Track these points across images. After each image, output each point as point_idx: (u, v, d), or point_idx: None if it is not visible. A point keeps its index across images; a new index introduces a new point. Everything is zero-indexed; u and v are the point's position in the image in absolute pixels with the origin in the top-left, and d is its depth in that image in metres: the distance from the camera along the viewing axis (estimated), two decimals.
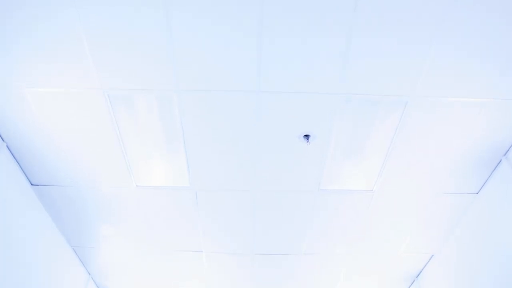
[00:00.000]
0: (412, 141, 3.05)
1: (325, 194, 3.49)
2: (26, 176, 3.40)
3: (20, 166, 3.31)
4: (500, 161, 3.26)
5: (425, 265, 4.55)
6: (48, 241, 3.83)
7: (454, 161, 3.23)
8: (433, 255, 4.36)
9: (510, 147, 3.14)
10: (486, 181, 3.43)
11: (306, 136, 2.92)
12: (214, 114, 2.83)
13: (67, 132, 2.97)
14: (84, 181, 3.41)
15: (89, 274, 4.76)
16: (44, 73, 2.56)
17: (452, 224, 3.88)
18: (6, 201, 3.17)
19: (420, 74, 2.58)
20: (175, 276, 4.78)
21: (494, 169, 3.32)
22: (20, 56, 2.46)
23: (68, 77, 2.59)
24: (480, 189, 3.51)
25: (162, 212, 3.72)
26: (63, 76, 2.58)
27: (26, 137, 3.02)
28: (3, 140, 3.08)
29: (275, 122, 2.87)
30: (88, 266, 4.62)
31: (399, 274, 4.72)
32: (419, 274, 4.72)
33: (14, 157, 3.23)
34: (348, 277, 4.74)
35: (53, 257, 3.94)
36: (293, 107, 2.76)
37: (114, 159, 3.18)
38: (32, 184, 3.48)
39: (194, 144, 3.05)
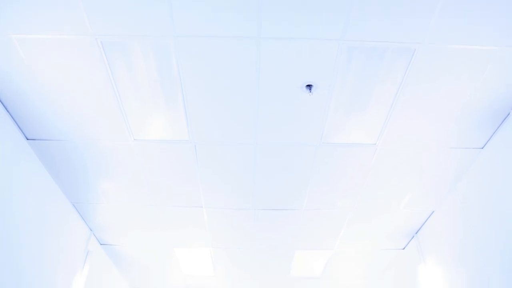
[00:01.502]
0: (417, 93, 2.94)
1: (327, 147, 3.41)
2: (21, 130, 3.32)
3: (14, 120, 3.23)
4: (508, 114, 3.16)
5: (425, 221, 4.55)
6: (47, 198, 3.81)
7: (460, 114, 3.13)
8: (433, 211, 4.35)
9: None
10: (492, 135, 3.34)
11: (309, 86, 2.81)
12: (213, 63, 2.71)
13: (61, 83, 2.87)
14: (81, 135, 3.33)
15: (91, 230, 4.78)
16: (31, 17, 2.42)
17: (455, 180, 3.83)
18: (1, 156, 3.11)
19: (430, 20, 2.43)
20: (176, 232, 4.81)
21: (502, 122, 3.23)
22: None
23: (56, 22, 2.45)
24: (485, 144, 3.43)
25: (161, 167, 3.67)
26: (51, 21, 2.44)
27: (19, 90, 2.92)
28: None
29: (277, 71, 2.75)
30: (89, 222, 4.63)
31: (399, 229, 4.74)
32: (418, 230, 4.74)
33: (7, 111, 3.14)
34: (348, 232, 4.76)
35: (54, 214, 3.93)
36: (295, 55, 2.63)
37: (110, 111, 3.09)
38: (27, 139, 3.40)
39: (192, 95, 2.95)
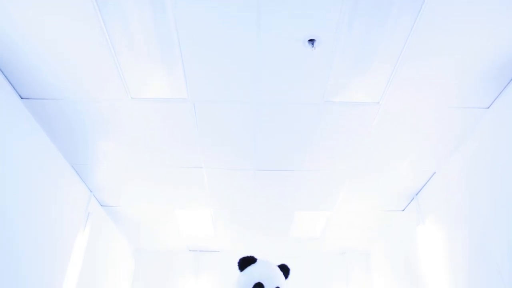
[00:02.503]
0: (424, 49, 2.83)
1: (330, 106, 3.33)
2: (15, 89, 3.22)
3: (7, 78, 3.12)
4: None
5: (426, 183, 4.54)
6: (45, 159, 3.75)
7: (466, 72, 3.02)
8: (435, 173, 4.32)
9: None
10: (499, 94, 3.25)
11: (311, 40, 2.70)
12: (212, 17, 2.58)
13: (55, 40, 2.74)
14: (77, 94, 3.24)
15: (91, 191, 4.77)
16: None
17: (458, 141, 3.77)
18: None
19: None
20: (177, 193, 4.80)
21: (509, 82, 3.12)
22: None
23: None
24: (491, 104, 3.34)
25: (160, 127, 3.60)
26: None
27: (12, 47, 2.80)
28: None
29: (278, 24, 2.62)
30: (88, 183, 4.62)
31: (399, 191, 4.74)
32: (419, 191, 4.74)
33: (0, 69, 3.03)
34: (348, 193, 4.76)
35: (52, 175, 3.89)
36: (297, 6, 2.50)
37: (105, 68, 2.98)
38: (22, 98, 3.31)
39: (191, 52, 2.83)
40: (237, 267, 3.24)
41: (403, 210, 5.23)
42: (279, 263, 3.31)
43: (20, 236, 3.37)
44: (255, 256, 3.25)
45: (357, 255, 6.75)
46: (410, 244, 5.02)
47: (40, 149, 3.67)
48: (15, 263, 3.30)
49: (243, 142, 3.79)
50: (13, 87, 3.20)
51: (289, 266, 3.28)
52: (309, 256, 6.71)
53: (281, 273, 3.16)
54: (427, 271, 4.47)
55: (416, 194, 4.80)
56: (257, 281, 3.05)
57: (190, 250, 6.73)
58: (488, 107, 3.37)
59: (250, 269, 3.16)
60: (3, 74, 3.06)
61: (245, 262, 3.21)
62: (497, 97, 3.27)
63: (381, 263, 6.20)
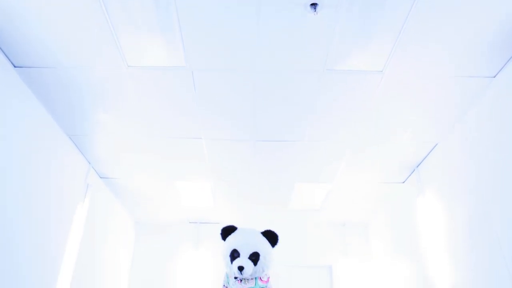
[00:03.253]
0: (429, 16, 2.71)
1: (331, 74, 3.24)
2: (7, 57, 3.12)
3: None
4: None
5: (428, 154, 4.49)
6: (41, 130, 3.69)
7: (473, 40, 2.92)
8: (437, 144, 4.27)
9: None
10: (506, 63, 3.14)
11: (313, 5, 2.58)
12: None
13: (47, 4, 2.63)
14: (72, 62, 3.14)
15: (89, 163, 4.74)
16: None
17: (461, 111, 3.70)
18: None
19: None
20: (176, 164, 4.77)
21: None
22: None
23: None
24: (498, 73, 3.25)
25: (158, 96, 3.52)
26: None
27: (3, 13, 2.69)
28: None
29: None
30: (87, 155, 4.57)
31: (401, 162, 4.70)
32: (420, 163, 4.70)
33: None
34: (348, 165, 4.73)
35: (50, 147, 3.84)
36: None
37: (100, 35, 2.87)
38: (15, 66, 3.21)
39: (188, 17, 2.72)
40: (220, 237, 3.27)
41: (403, 182, 5.21)
42: (265, 229, 3.29)
43: (18, 209, 3.35)
44: (236, 225, 3.25)
45: (356, 227, 6.79)
46: (410, 216, 5.03)
47: (36, 120, 3.60)
48: (14, 237, 3.29)
49: (242, 112, 3.72)
50: (6, 55, 3.10)
51: (276, 232, 3.23)
52: (309, 228, 6.75)
53: (263, 240, 3.10)
54: (426, 243, 4.49)
55: (417, 166, 4.77)
56: (233, 248, 3.09)
57: (190, 222, 6.76)
58: (494, 76, 3.28)
59: (229, 237, 3.17)
60: None
61: (226, 232, 3.23)
62: (504, 65, 3.17)
63: (380, 235, 6.23)
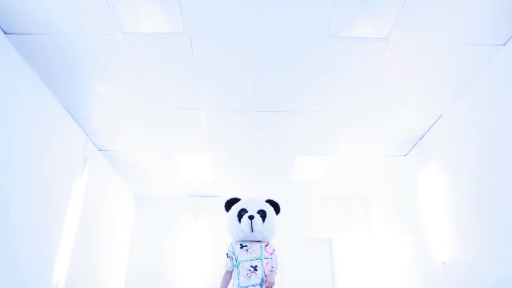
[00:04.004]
0: None
1: (334, 42, 3.11)
2: None
3: None
4: None
5: (431, 126, 4.42)
6: (37, 101, 3.59)
7: (483, 5, 2.79)
8: (441, 116, 4.19)
9: None
10: None
11: None
12: None
13: None
14: (65, 28, 3.02)
15: (87, 135, 4.66)
16: None
17: (468, 81, 3.59)
18: None
19: None
20: (175, 137, 4.70)
21: None
22: None
23: None
24: (508, 40, 3.13)
25: (155, 65, 3.41)
26: None
27: None
28: None
29: None
30: (84, 127, 4.49)
31: (403, 135, 4.63)
32: (423, 135, 4.62)
33: None
34: (350, 137, 4.65)
35: (46, 117, 3.75)
36: None
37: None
38: (5, 33, 3.09)
39: None
40: (224, 210, 3.34)
41: (405, 155, 5.15)
42: (267, 199, 3.39)
43: (14, 183, 3.27)
44: (239, 197, 3.37)
45: (357, 200, 6.78)
46: (411, 189, 4.99)
47: (30, 90, 3.49)
48: (11, 211, 3.25)
49: (242, 81, 3.61)
50: None
51: (278, 201, 3.38)
52: (309, 201, 6.74)
53: (267, 204, 3.30)
54: (428, 215, 4.47)
55: (420, 139, 4.69)
56: (240, 208, 3.22)
57: (190, 196, 6.75)
58: (504, 44, 3.16)
59: (235, 205, 3.31)
60: None
61: (231, 203, 3.35)
62: None
63: (381, 208, 6.23)
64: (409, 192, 5.08)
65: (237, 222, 3.17)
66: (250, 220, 3.09)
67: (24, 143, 3.39)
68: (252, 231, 3.10)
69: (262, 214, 3.17)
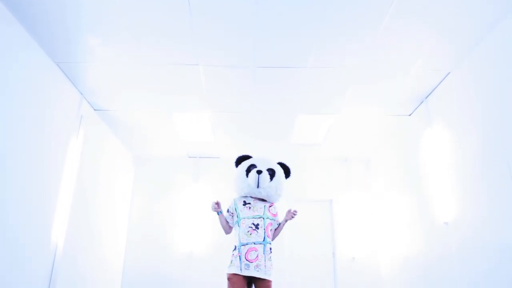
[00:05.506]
0: None
1: None
2: None
3: None
4: None
5: (438, 84, 4.25)
6: (25, 56, 3.39)
7: None
8: (449, 73, 4.01)
9: None
10: None
11: None
12: None
13: None
14: None
15: (81, 94, 4.50)
16: None
17: (481, 34, 3.39)
18: None
19: None
20: (173, 95, 4.54)
21: None
22: None
23: None
24: None
25: (150, 15, 3.19)
26: None
27: None
28: None
29: None
30: (78, 85, 4.33)
31: (409, 93, 4.47)
32: (429, 94, 4.46)
33: None
34: (354, 95, 4.50)
35: (36, 74, 3.57)
36: None
37: None
38: None
39: None
40: (234, 165, 3.29)
41: (410, 115, 5.01)
42: (279, 162, 3.33)
43: (3, 144, 3.14)
44: (251, 155, 3.32)
45: (358, 162, 6.71)
46: (414, 149, 4.89)
47: (18, 45, 3.29)
48: (4, 173, 3.14)
49: (241, 33, 3.41)
50: None
51: (289, 166, 3.31)
52: (310, 162, 6.67)
53: (278, 165, 3.25)
54: (432, 175, 4.38)
55: (426, 97, 4.54)
56: (250, 163, 3.19)
57: (189, 157, 6.66)
58: None
59: (245, 161, 3.28)
60: None
61: (241, 159, 3.32)
62: None
63: (383, 169, 6.15)
64: (412, 152, 4.98)
65: (245, 176, 3.15)
66: (257, 175, 3.06)
67: (11, 101, 3.23)
68: (258, 186, 3.06)
69: (271, 172, 3.14)
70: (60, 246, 4.00)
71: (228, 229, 3.20)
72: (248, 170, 3.16)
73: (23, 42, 3.36)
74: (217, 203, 3.16)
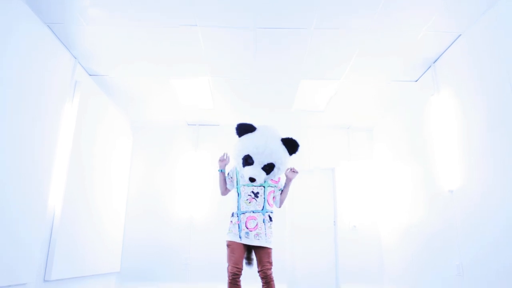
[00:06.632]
0: None
1: None
2: None
3: None
4: None
5: (448, 48, 4.06)
6: (12, 16, 3.18)
7: None
8: (459, 35, 3.82)
9: None
10: None
11: None
12: None
13: None
14: None
15: (75, 58, 4.32)
16: None
17: None
18: None
19: None
20: (170, 59, 4.36)
21: None
22: None
23: None
24: None
25: None
26: None
27: None
28: None
29: None
30: (71, 48, 4.15)
31: (416, 57, 4.29)
32: (438, 58, 4.28)
33: None
34: (359, 60, 4.32)
35: (24, 35, 3.36)
36: None
37: None
38: None
39: None
40: (234, 133, 3.05)
41: (416, 81, 4.83)
42: (286, 137, 3.00)
43: None
44: (255, 125, 3.00)
45: (361, 130, 6.58)
46: (420, 116, 4.75)
47: (3, 4, 3.09)
48: None
49: None
50: None
51: (298, 142, 2.99)
52: (312, 130, 6.54)
53: (280, 149, 2.93)
54: (436, 144, 4.26)
55: (434, 62, 4.35)
56: (247, 153, 2.88)
57: (189, 124, 6.53)
58: None
59: (247, 137, 2.96)
60: None
61: (243, 129, 2.98)
62: None
63: (386, 137, 6.03)
64: (417, 120, 4.84)
65: (242, 165, 2.92)
66: (250, 182, 2.87)
67: (8, 65, 3.07)
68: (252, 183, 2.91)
69: (269, 168, 2.87)
70: (57, 215, 3.94)
71: (224, 189, 3.13)
72: (245, 160, 2.89)
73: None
74: (224, 158, 3.09)
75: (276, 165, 2.88)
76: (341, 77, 4.72)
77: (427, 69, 4.51)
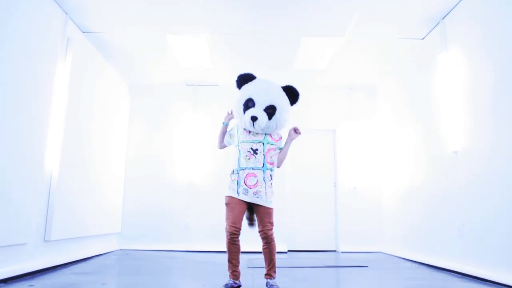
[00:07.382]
0: None
1: None
2: None
3: None
4: None
5: (457, 3, 3.86)
6: None
7: None
8: None
9: None
10: None
11: None
12: None
13: None
14: None
15: (66, 13, 4.11)
16: None
17: None
18: None
19: None
20: (166, 13, 4.17)
21: None
22: None
23: None
24: None
25: None
26: None
27: None
28: None
29: None
30: (62, 3, 3.93)
31: (424, 13, 4.10)
32: (447, 14, 4.08)
33: None
34: (364, 15, 4.12)
35: None
36: None
37: None
38: None
39: None
40: (235, 87, 2.94)
41: (423, 39, 4.64)
42: (286, 84, 2.93)
43: None
44: (254, 75, 2.92)
45: (364, 90, 6.43)
46: (425, 76, 4.60)
47: None
48: None
49: None
50: None
51: (298, 90, 2.92)
52: (314, 90, 6.39)
53: (282, 94, 2.86)
54: (442, 104, 4.14)
55: (443, 18, 4.15)
56: (248, 97, 2.80)
57: (187, 85, 6.37)
58: None
59: (246, 85, 2.88)
60: None
61: (243, 79, 2.91)
62: None
63: (389, 97, 5.90)
64: (423, 79, 4.69)
65: (242, 111, 2.80)
66: (252, 122, 2.72)
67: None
68: (254, 128, 2.79)
69: (271, 111, 2.75)
70: (54, 178, 3.86)
71: (221, 142, 3.08)
72: (245, 105, 2.78)
73: None
74: (229, 116, 3.06)
75: (278, 109, 2.77)
76: (344, 34, 4.53)
77: (435, 25, 4.32)
